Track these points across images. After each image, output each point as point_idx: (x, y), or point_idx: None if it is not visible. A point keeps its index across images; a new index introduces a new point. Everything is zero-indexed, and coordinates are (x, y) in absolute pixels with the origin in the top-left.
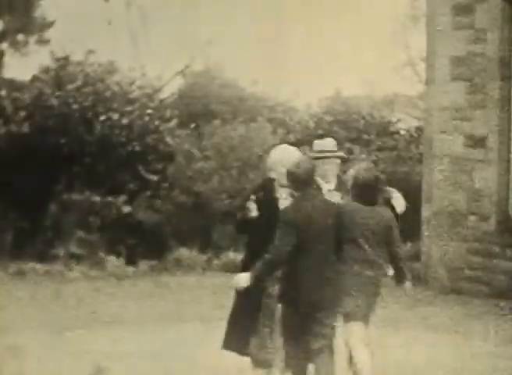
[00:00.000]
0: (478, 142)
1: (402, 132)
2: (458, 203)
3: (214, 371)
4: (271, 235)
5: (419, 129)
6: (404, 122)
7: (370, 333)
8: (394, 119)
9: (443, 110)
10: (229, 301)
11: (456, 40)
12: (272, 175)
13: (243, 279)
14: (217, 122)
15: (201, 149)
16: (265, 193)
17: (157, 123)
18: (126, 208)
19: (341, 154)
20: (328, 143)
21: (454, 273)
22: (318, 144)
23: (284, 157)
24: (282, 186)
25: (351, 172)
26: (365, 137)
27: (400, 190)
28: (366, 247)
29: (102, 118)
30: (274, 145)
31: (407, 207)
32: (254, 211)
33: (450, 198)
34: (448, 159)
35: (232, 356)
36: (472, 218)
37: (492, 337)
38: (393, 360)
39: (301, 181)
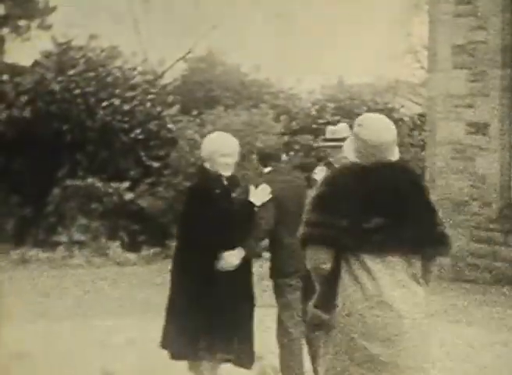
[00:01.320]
0: (480, 129)
1: (405, 118)
2: (460, 190)
3: None
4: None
5: (422, 116)
6: (407, 108)
7: None
8: (397, 106)
9: (445, 97)
10: None
11: (458, 27)
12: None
13: (235, 255)
14: (219, 108)
15: (204, 135)
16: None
17: (159, 109)
18: (129, 195)
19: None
20: (342, 129)
21: (457, 260)
22: (331, 130)
23: (223, 144)
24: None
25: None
26: None
27: None
28: None
29: (104, 104)
30: (276, 133)
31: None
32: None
33: (453, 184)
34: (450, 146)
35: None
36: (475, 205)
37: (495, 324)
38: None
39: (271, 157)
